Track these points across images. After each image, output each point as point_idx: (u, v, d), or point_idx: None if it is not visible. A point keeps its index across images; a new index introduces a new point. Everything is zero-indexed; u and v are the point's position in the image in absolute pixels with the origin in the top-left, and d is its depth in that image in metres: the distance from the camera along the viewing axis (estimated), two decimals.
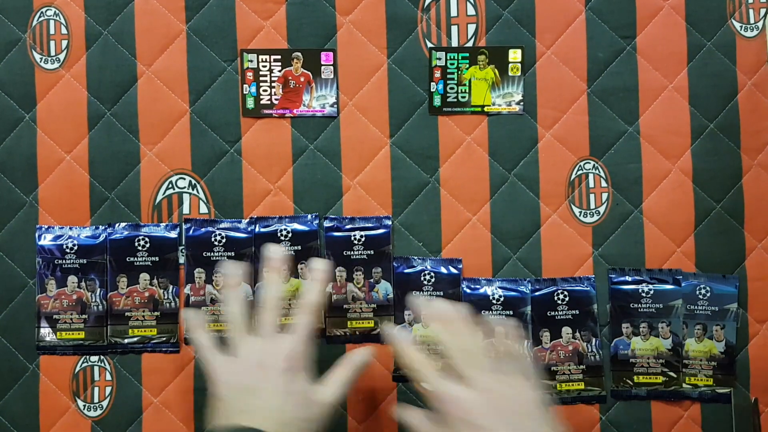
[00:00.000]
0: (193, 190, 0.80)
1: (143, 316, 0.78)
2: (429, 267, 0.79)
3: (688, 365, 0.78)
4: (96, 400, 0.79)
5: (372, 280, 0.78)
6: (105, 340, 0.78)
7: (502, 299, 0.78)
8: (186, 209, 0.80)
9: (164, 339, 0.78)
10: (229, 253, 0.78)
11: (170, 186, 0.80)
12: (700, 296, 0.78)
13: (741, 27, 0.80)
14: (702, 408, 0.78)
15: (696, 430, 0.78)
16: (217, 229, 0.79)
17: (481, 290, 0.79)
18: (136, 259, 0.78)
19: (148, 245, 0.78)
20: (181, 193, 0.80)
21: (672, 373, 0.78)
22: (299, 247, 0.78)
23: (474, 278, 0.79)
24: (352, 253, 0.78)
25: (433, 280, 0.78)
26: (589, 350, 0.78)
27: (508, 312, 0.78)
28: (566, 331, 0.78)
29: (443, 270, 0.79)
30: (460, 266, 0.79)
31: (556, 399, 0.78)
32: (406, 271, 0.79)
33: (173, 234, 0.78)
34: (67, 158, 0.80)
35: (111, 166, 0.80)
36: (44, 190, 0.80)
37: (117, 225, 0.79)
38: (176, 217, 0.80)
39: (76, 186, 0.79)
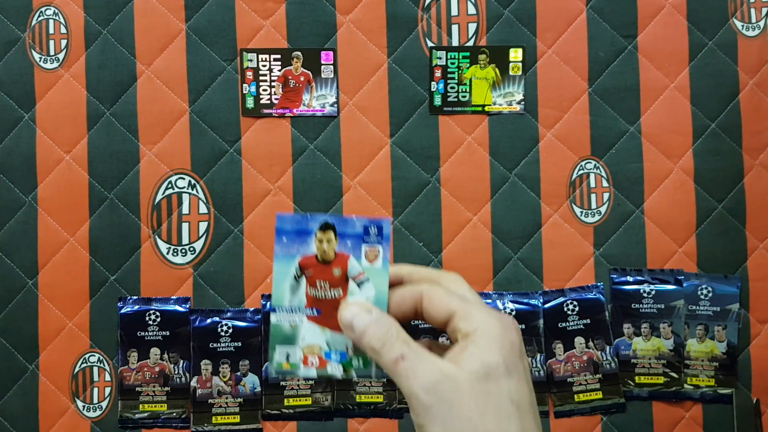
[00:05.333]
0: (192, 189, 0.79)
1: (153, 392, 0.78)
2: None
3: (689, 366, 0.78)
4: (95, 400, 0.78)
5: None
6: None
7: (513, 313, 0.78)
8: (186, 209, 0.79)
9: (174, 415, 0.78)
10: (236, 344, 0.78)
11: (170, 186, 0.79)
12: (702, 296, 0.78)
13: (742, 26, 0.80)
14: (703, 409, 0.78)
15: (697, 431, 0.78)
16: (223, 319, 0.78)
17: (492, 304, 0.78)
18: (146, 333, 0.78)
19: (158, 319, 0.78)
20: (180, 193, 0.79)
21: (673, 374, 0.78)
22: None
23: (484, 292, 0.79)
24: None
25: None
26: (604, 358, 0.78)
27: (520, 326, 0.78)
28: (579, 341, 0.78)
29: None
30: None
31: (573, 410, 0.78)
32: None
33: (183, 308, 0.78)
34: (66, 158, 0.79)
35: (110, 166, 0.79)
36: (43, 189, 0.79)
37: (128, 299, 0.79)
38: (176, 217, 0.79)
39: (75, 186, 0.79)
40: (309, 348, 0.42)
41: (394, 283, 0.42)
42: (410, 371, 0.36)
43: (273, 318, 0.41)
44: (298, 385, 0.78)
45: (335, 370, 0.42)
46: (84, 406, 0.78)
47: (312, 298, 0.41)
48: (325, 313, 0.41)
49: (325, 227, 0.41)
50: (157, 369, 0.78)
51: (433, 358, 0.36)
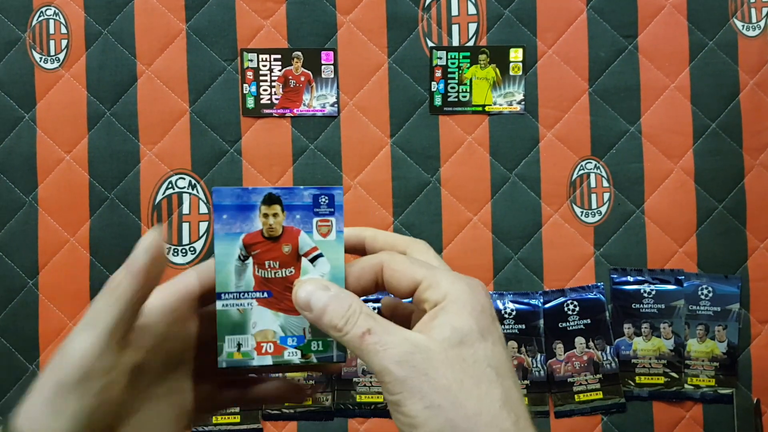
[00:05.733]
0: (193, 190, 0.79)
1: None
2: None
3: (690, 366, 0.78)
4: None
5: None
6: None
7: (514, 313, 0.78)
8: (186, 209, 0.79)
9: None
10: None
11: (170, 186, 0.79)
12: (702, 296, 0.78)
13: (743, 26, 0.80)
14: (704, 409, 0.78)
15: (698, 431, 0.78)
16: None
17: (493, 304, 0.78)
18: None
19: None
20: (180, 193, 0.79)
21: (674, 374, 0.78)
22: None
23: None
24: None
25: None
26: (604, 358, 0.78)
27: (520, 326, 0.78)
28: (579, 341, 0.78)
29: None
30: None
31: (573, 411, 0.78)
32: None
33: None
34: (66, 158, 0.79)
35: (111, 166, 0.79)
36: (44, 189, 0.79)
37: None
38: (176, 217, 0.79)
39: (75, 186, 0.79)
40: (262, 334, 0.37)
41: (356, 250, 0.39)
42: (378, 345, 0.32)
43: (219, 305, 0.37)
44: None
45: (293, 356, 0.37)
46: None
47: (261, 279, 0.37)
48: (277, 295, 0.38)
49: (270, 200, 0.37)
50: None
51: (401, 330, 0.33)
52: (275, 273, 0.38)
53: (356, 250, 0.39)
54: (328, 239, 0.38)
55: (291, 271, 0.38)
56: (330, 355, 0.38)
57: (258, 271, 0.37)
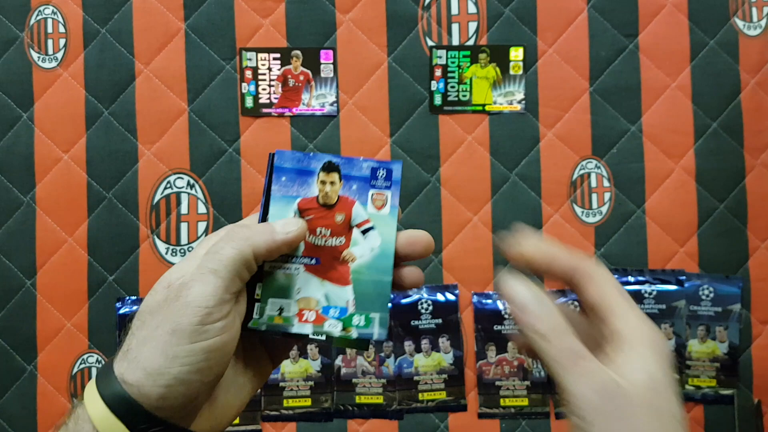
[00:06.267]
0: (191, 189, 0.79)
1: None
2: (425, 295, 0.78)
3: (690, 366, 0.78)
4: None
5: (382, 354, 0.78)
6: None
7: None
8: (184, 209, 0.79)
9: None
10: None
11: (168, 185, 0.79)
12: (703, 297, 0.78)
13: (744, 25, 0.80)
14: (705, 409, 0.78)
15: None
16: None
17: (493, 304, 0.78)
18: None
19: None
20: (179, 192, 0.79)
21: (674, 374, 0.78)
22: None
23: (485, 293, 0.79)
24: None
25: (431, 308, 0.78)
26: None
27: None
28: None
29: (440, 297, 0.78)
30: (457, 292, 0.78)
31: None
32: (403, 301, 0.78)
33: None
34: (64, 158, 0.79)
35: (109, 166, 0.79)
36: (42, 189, 0.79)
37: (126, 300, 0.78)
38: (175, 217, 0.79)
39: (73, 185, 0.79)
40: (305, 301, 0.37)
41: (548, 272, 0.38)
42: (584, 367, 0.34)
43: (266, 266, 0.37)
44: (298, 386, 0.78)
45: (333, 327, 0.37)
46: None
47: (311, 245, 0.37)
48: (325, 263, 0.37)
49: (330, 168, 0.37)
50: None
51: (600, 364, 0.34)
52: (325, 241, 0.37)
53: (550, 272, 0.38)
54: (381, 212, 0.37)
55: (341, 241, 0.37)
56: (371, 332, 0.37)
57: (309, 237, 0.37)
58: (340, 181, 0.37)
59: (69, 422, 0.36)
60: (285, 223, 0.36)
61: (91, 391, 0.35)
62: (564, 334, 0.35)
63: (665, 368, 0.35)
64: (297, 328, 0.37)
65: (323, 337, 0.37)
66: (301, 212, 0.37)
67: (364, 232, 0.37)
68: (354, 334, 0.37)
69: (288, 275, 0.37)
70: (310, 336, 0.37)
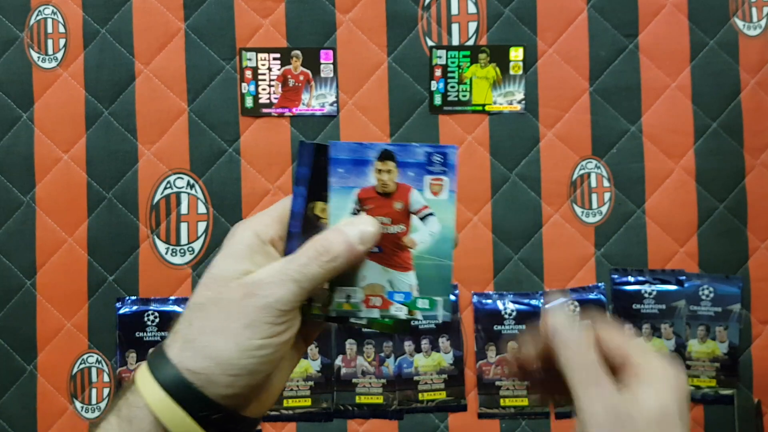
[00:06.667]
0: (191, 189, 0.79)
1: None
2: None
3: (690, 366, 0.78)
4: (93, 401, 0.78)
5: (382, 354, 0.78)
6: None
7: (514, 314, 0.78)
8: (184, 209, 0.79)
9: None
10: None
11: (168, 186, 0.79)
12: (703, 297, 0.78)
13: (744, 25, 0.80)
14: (705, 409, 0.78)
15: None
16: None
17: (493, 304, 0.78)
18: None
19: (157, 320, 0.78)
20: (179, 192, 0.79)
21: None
22: None
23: (485, 293, 0.78)
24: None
25: None
26: None
27: (521, 326, 0.78)
28: None
29: None
30: (457, 292, 0.78)
31: None
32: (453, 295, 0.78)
33: (181, 308, 0.78)
34: (64, 158, 0.79)
35: (109, 166, 0.79)
36: (42, 189, 0.79)
37: (126, 300, 0.78)
38: (174, 217, 0.79)
39: (73, 185, 0.79)
40: (370, 288, 0.38)
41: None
42: (604, 392, 0.36)
43: None
44: (298, 387, 0.78)
45: (399, 311, 0.38)
46: (82, 407, 0.78)
47: None
48: (387, 250, 0.38)
49: (385, 156, 0.37)
50: None
51: (616, 390, 0.37)
52: (386, 229, 0.38)
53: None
54: (439, 198, 0.38)
55: (402, 228, 0.38)
56: (435, 314, 0.38)
57: None
58: (397, 168, 0.38)
59: (121, 408, 0.36)
60: (361, 234, 0.37)
61: (145, 377, 0.36)
62: (592, 366, 0.37)
63: (679, 403, 0.37)
64: (365, 313, 0.38)
65: (364, 321, 0.39)
66: (361, 202, 0.38)
67: (423, 218, 0.38)
68: (419, 316, 0.38)
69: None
70: (354, 320, 0.39)
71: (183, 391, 0.35)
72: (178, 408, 0.34)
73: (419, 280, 0.38)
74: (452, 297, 0.38)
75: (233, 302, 0.36)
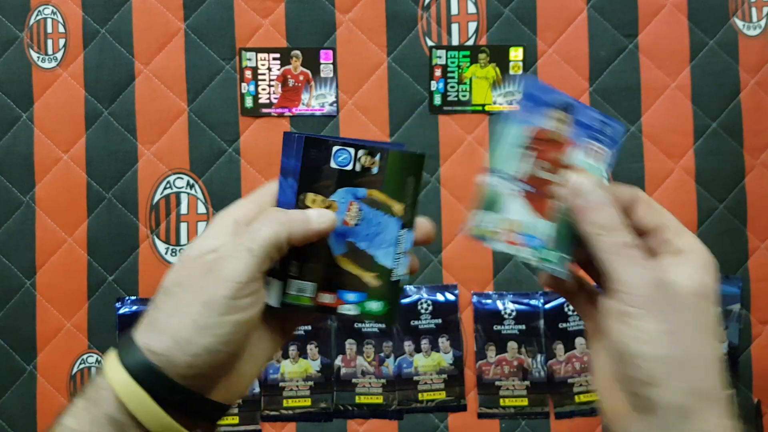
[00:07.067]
0: (191, 189, 0.79)
1: None
2: (425, 295, 0.78)
3: None
4: None
5: (382, 354, 0.78)
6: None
7: (514, 313, 0.78)
8: (184, 209, 0.79)
9: None
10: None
11: (168, 186, 0.79)
12: None
13: (744, 25, 0.80)
14: None
15: None
16: None
17: (492, 304, 0.78)
18: None
19: None
20: (179, 192, 0.79)
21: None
22: None
23: (484, 293, 0.79)
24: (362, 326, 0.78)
25: (430, 308, 0.78)
26: None
27: (521, 326, 0.78)
28: (580, 342, 0.78)
29: (440, 297, 0.78)
30: (457, 292, 0.78)
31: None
32: (402, 301, 0.78)
33: None
34: (64, 158, 0.79)
35: (108, 166, 0.79)
36: (41, 189, 0.79)
37: (126, 300, 0.78)
38: (174, 217, 0.79)
39: (73, 185, 0.79)
40: (510, 222, 0.39)
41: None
42: (639, 260, 0.36)
43: (488, 178, 0.39)
44: (298, 386, 0.78)
45: (525, 253, 0.39)
46: None
47: (531, 174, 0.39)
48: (538, 194, 0.39)
49: (567, 108, 0.40)
50: None
51: (659, 262, 0.36)
52: (544, 174, 0.39)
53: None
54: (596, 165, 0.39)
55: (558, 178, 0.39)
56: (560, 269, 0.39)
57: (533, 166, 0.39)
58: (572, 123, 0.39)
59: (88, 391, 0.37)
60: (320, 213, 0.38)
61: (111, 361, 0.36)
62: (621, 228, 0.37)
63: (715, 282, 0.37)
64: (494, 243, 0.39)
65: (353, 312, 0.40)
66: (534, 141, 0.39)
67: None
68: (545, 266, 0.39)
69: (506, 194, 0.39)
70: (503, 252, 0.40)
71: (145, 373, 0.35)
72: (139, 389, 0.35)
73: (556, 234, 0.39)
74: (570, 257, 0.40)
75: (194, 280, 0.36)
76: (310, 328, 0.78)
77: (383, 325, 0.78)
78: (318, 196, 0.39)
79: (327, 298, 0.40)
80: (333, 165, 0.39)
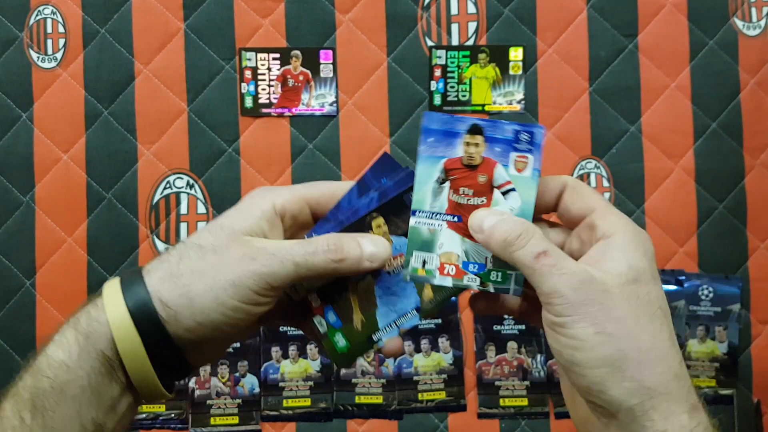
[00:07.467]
0: (191, 189, 0.79)
1: None
2: None
3: (690, 366, 0.78)
4: None
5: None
6: None
7: None
8: (184, 209, 0.79)
9: (172, 416, 0.77)
10: (235, 345, 0.77)
11: (168, 186, 0.79)
12: (703, 297, 0.78)
13: (743, 25, 0.80)
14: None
15: None
16: None
17: None
18: None
19: None
20: (178, 192, 0.79)
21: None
22: None
23: None
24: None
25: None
26: None
27: (520, 326, 0.78)
28: None
29: None
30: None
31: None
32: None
33: None
34: (64, 158, 0.79)
35: (108, 166, 0.79)
36: (41, 189, 0.79)
37: None
38: (174, 217, 0.79)
39: (73, 185, 0.79)
40: (446, 256, 0.39)
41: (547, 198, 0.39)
42: (555, 268, 0.34)
43: (412, 221, 0.39)
44: (297, 386, 0.78)
45: (472, 281, 0.39)
46: None
47: (454, 203, 0.39)
48: (466, 221, 0.39)
49: (475, 130, 0.39)
50: None
51: (576, 261, 0.35)
52: (468, 200, 0.39)
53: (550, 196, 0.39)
54: (522, 175, 0.38)
55: (483, 201, 0.39)
56: (507, 287, 0.39)
57: (452, 196, 0.39)
58: (484, 143, 0.39)
59: (81, 320, 0.36)
60: (372, 253, 0.38)
61: (114, 293, 0.35)
62: (533, 238, 0.35)
63: (647, 260, 0.35)
64: (438, 280, 0.39)
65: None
66: (446, 172, 0.39)
67: (505, 193, 0.39)
68: (491, 288, 0.39)
69: (432, 230, 0.39)
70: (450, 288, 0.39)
71: (147, 318, 0.35)
72: (135, 332, 0.34)
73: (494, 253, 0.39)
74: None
75: (230, 257, 0.36)
76: None
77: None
78: (384, 226, 0.40)
79: (315, 302, 0.40)
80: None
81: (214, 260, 0.36)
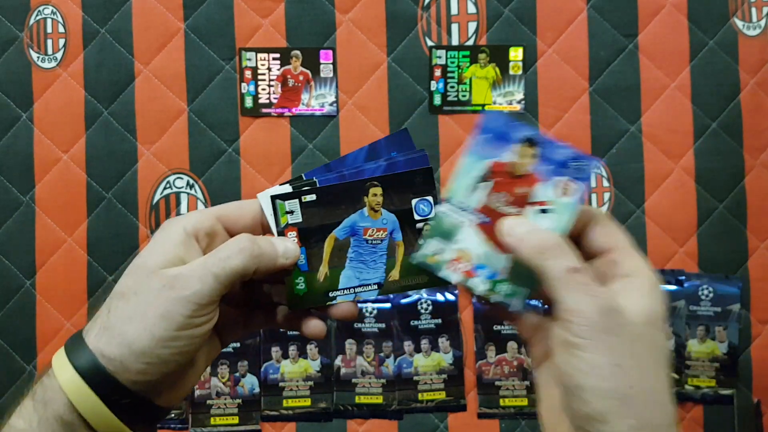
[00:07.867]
0: (191, 189, 0.79)
1: None
2: (425, 295, 0.78)
3: (690, 366, 0.78)
4: None
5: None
6: None
7: None
8: (184, 209, 0.79)
9: (172, 415, 0.77)
10: (234, 345, 0.78)
11: (168, 186, 0.79)
12: (703, 297, 0.78)
13: (743, 25, 0.80)
14: (704, 410, 0.78)
15: None
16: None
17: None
18: None
19: None
20: (178, 192, 0.79)
21: (674, 374, 0.78)
22: None
23: None
24: None
25: (430, 308, 0.78)
26: None
27: None
28: None
29: (440, 297, 0.78)
30: (456, 291, 0.78)
31: None
32: (402, 301, 0.78)
33: None
34: (64, 158, 0.79)
35: (108, 166, 0.79)
36: (41, 189, 0.79)
37: None
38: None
39: (73, 185, 0.79)
40: (462, 252, 0.39)
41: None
42: (585, 287, 0.34)
43: (441, 207, 0.39)
44: (297, 387, 0.78)
45: (477, 285, 0.38)
46: None
47: (487, 206, 0.39)
48: (493, 225, 0.39)
49: (532, 142, 0.39)
50: None
51: (605, 289, 0.35)
52: (501, 207, 0.39)
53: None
54: (563, 200, 0.38)
55: (517, 211, 0.39)
56: (509, 302, 0.39)
57: (488, 197, 0.39)
58: (536, 157, 0.39)
59: (36, 391, 0.37)
60: (286, 249, 0.39)
61: (61, 361, 0.36)
62: (565, 252, 0.35)
63: (663, 308, 0.36)
64: (444, 273, 0.39)
65: (351, 297, 0.40)
66: (491, 173, 0.39)
67: (540, 212, 0.39)
68: (495, 298, 0.39)
69: (455, 224, 0.39)
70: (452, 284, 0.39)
71: (97, 376, 0.35)
72: (90, 391, 0.35)
73: (513, 265, 0.39)
74: (530, 292, 0.39)
75: (152, 292, 0.36)
76: None
77: (382, 325, 0.78)
78: (380, 197, 0.40)
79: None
80: (416, 202, 0.40)
81: (138, 301, 0.36)
